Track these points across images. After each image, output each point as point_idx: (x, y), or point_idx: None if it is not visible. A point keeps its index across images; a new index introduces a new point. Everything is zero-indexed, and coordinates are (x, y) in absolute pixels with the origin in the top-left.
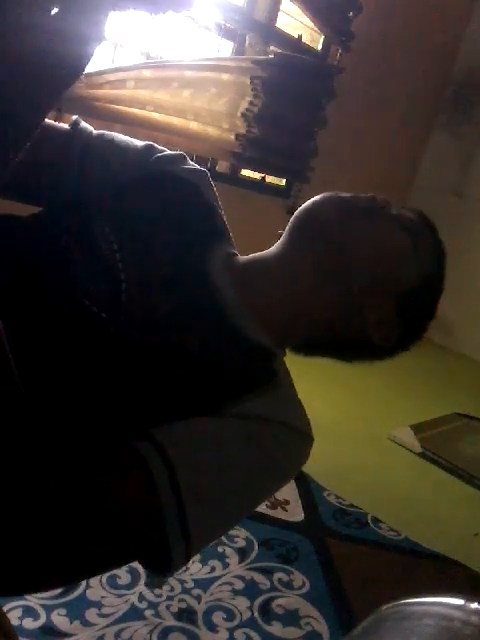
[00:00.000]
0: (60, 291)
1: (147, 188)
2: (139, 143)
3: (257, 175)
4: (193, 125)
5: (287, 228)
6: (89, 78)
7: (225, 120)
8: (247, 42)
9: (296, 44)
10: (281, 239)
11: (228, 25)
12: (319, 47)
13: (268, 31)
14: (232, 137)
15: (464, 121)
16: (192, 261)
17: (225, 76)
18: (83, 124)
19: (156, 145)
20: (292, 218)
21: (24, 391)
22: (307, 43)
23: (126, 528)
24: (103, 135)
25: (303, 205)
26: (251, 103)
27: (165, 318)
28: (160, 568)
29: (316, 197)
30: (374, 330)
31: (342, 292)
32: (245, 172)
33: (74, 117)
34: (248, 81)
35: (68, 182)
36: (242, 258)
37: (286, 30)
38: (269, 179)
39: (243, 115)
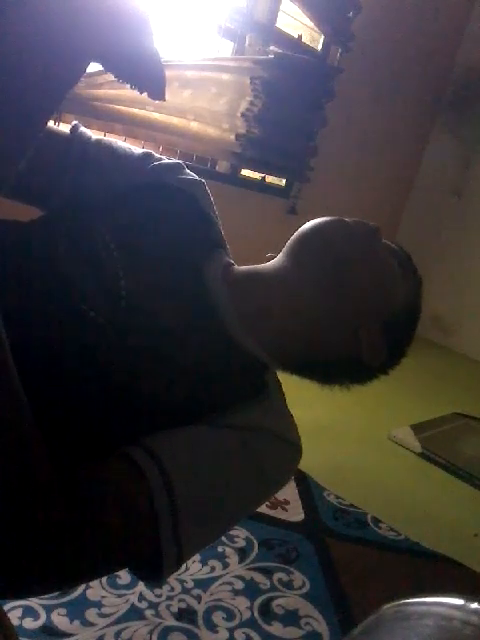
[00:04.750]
0: (58, 296)
1: (144, 197)
2: (137, 150)
3: (257, 175)
4: (193, 125)
5: (288, 247)
6: (89, 78)
7: (225, 120)
8: (247, 42)
9: (296, 44)
10: (281, 256)
11: (228, 25)
12: (319, 47)
13: (268, 31)
14: (232, 137)
15: (464, 121)
16: (189, 271)
17: (225, 76)
18: (82, 129)
19: (154, 153)
20: (294, 238)
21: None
22: (307, 43)
23: (120, 534)
24: (102, 141)
25: (305, 226)
26: (251, 103)
27: (163, 326)
28: (151, 574)
29: (318, 220)
30: (366, 351)
31: (340, 313)
32: (245, 172)
33: (74, 122)
34: (248, 81)
35: (66, 187)
36: (239, 269)
37: (286, 30)
38: (269, 179)
39: (243, 115)
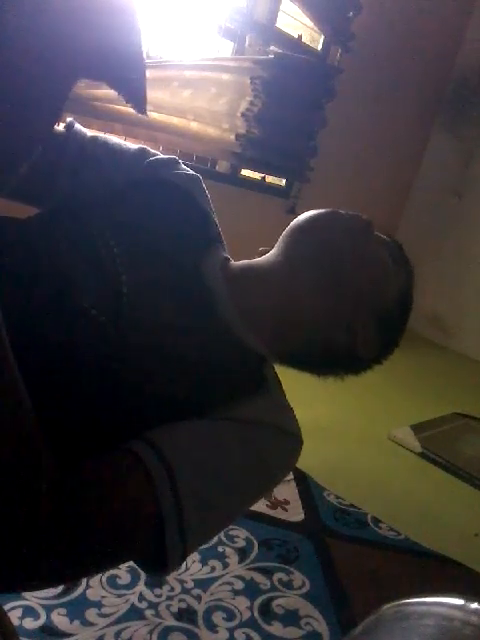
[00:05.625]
0: (60, 294)
1: (141, 194)
2: (132, 147)
3: (257, 175)
4: (193, 125)
5: (283, 240)
6: None
7: (225, 120)
8: (247, 42)
9: (296, 44)
10: (276, 250)
11: (228, 25)
12: (319, 47)
13: (268, 31)
14: (232, 137)
15: (464, 121)
16: (188, 267)
17: (225, 76)
18: (77, 126)
19: (149, 149)
20: (288, 231)
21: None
22: (307, 43)
23: (125, 528)
24: (97, 138)
25: (299, 219)
26: (251, 103)
27: (164, 322)
28: (156, 568)
29: (313, 212)
30: (361, 344)
31: (334, 308)
32: (245, 172)
33: (69, 119)
34: (248, 81)
35: (63, 184)
36: (236, 264)
37: (286, 30)
38: (269, 179)
39: (243, 115)
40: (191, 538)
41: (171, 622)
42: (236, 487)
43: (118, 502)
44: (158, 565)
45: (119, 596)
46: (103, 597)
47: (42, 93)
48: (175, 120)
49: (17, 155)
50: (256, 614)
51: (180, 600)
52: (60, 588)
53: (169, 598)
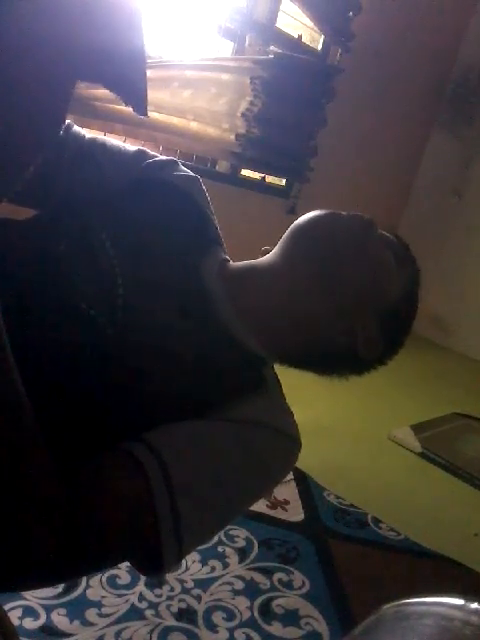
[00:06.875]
0: (58, 294)
1: (140, 195)
2: (131, 148)
3: (257, 175)
4: (193, 125)
5: (283, 241)
6: None
7: (225, 120)
8: (247, 42)
9: (296, 44)
10: (276, 251)
11: (228, 25)
12: (319, 47)
13: (268, 31)
14: (232, 137)
15: (464, 121)
16: (186, 268)
17: (225, 76)
18: (76, 128)
19: (148, 150)
20: (289, 232)
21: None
22: (307, 43)
23: (120, 528)
24: (95, 140)
25: (300, 220)
26: (251, 103)
27: (160, 322)
28: (151, 569)
29: (313, 213)
30: (362, 345)
31: (335, 308)
32: (245, 172)
33: (67, 121)
34: (248, 81)
35: (61, 186)
36: (235, 265)
37: (286, 30)
38: (269, 179)
39: (243, 115)
40: (187, 539)
41: (171, 622)
42: (234, 488)
43: (115, 504)
44: (154, 566)
45: (119, 596)
46: (103, 597)
47: (46, 95)
48: (175, 120)
49: (23, 159)
50: (256, 614)
51: (180, 600)
52: (60, 588)
53: (169, 598)
